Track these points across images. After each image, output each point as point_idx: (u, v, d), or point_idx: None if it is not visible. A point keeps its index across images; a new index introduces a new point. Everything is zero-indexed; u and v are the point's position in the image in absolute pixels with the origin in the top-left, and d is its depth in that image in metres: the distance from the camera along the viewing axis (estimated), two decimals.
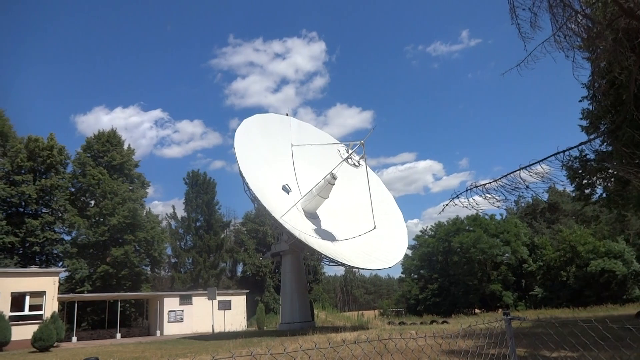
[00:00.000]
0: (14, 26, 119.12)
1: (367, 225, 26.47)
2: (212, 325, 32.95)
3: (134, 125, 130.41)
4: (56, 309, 27.56)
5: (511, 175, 6.03)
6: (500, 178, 6.09)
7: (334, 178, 25.84)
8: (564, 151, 5.87)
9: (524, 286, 52.48)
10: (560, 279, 47.23)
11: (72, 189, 44.14)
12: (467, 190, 6.46)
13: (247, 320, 38.76)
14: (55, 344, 24.45)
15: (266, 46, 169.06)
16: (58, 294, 29.15)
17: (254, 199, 24.57)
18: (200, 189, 50.88)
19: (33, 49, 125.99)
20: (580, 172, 19.86)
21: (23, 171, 40.04)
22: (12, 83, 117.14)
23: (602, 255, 44.55)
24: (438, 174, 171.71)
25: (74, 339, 31.79)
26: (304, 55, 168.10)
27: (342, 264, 26.10)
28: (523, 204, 66.88)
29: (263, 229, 50.69)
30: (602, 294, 43.11)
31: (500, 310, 47.43)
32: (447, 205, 6.93)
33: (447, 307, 51.11)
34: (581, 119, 22.94)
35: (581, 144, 8.25)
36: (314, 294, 50.17)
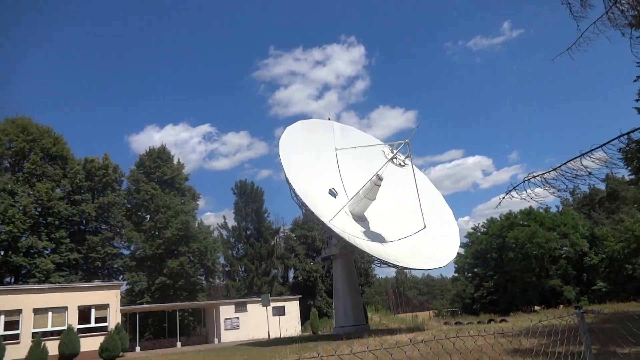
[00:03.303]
0: (64, 52, 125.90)
1: (416, 225, 26.01)
2: (268, 331, 33.35)
3: (183, 140, 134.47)
4: (119, 321, 28.77)
5: (571, 162, 5.75)
6: (560, 166, 5.83)
7: (380, 179, 25.62)
8: (627, 133, 5.56)
9: (585, 280, 50.03)
10: (626, 272, 44.70)
11: (128, 205, 46.09)
12: (524, 182, 6.23)
13: (301, 325, 39.00)
14: (121, 353, 25.50)
15: (306, 54, 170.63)
16: (120, 306, 30.42)
17: (302, 205, 24.73)
18: (248, 198, 51.84)
19: (85, 75, 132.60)
20: (638, 155, 18.81)
21: (82, 190, 42.19)
22: (70, 108, 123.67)
23: None
24: (487, 170, 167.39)
25: (138, 348, 33.02)
26: (344, 60, 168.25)
27: (394, 265, 25.80)
28: (579, 195, 63.93)
29: (312, 234, 50.93)
30: None
31: (561, 306, 45.41)
32: (503, 198, 6.72)
33: (504, 305, 49.44)
34: (637, 100, 21.76)
35: None
36: (366, 297, 49.82)
